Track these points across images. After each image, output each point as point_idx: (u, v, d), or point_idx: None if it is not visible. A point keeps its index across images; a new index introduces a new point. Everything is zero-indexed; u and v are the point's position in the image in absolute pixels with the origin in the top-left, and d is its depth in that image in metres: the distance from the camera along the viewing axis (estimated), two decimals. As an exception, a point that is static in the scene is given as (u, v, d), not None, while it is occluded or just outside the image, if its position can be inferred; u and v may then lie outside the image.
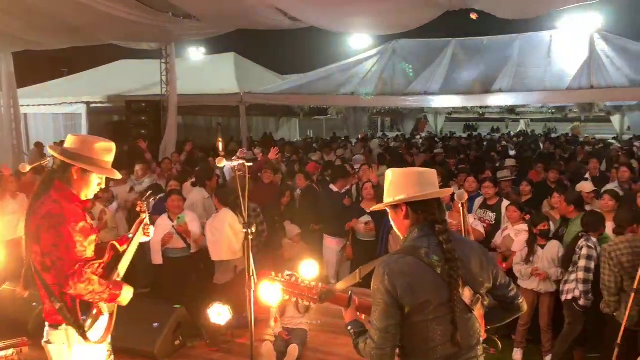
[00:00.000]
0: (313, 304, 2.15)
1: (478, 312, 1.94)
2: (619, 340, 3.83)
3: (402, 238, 2.07)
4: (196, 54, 16.12)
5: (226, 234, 5.11)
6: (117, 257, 2.79)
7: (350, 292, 2.14)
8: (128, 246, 2.84)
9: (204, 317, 4.33)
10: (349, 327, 2.08)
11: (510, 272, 5.10)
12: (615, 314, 4.08)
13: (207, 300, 4.48)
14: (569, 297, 4.47)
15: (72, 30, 9.16)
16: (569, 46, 12.45)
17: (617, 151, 11.18)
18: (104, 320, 2.68)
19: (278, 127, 22.07)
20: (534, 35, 13.07)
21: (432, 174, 2.08)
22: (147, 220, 2.99)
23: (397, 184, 2.05)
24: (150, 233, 3.02)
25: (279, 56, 22.28)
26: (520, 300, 2.15)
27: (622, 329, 3.81)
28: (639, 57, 11.44)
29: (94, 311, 2.59)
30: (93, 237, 2.70)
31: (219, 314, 4.18)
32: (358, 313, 2.11)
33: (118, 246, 2.83)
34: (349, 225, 5.96)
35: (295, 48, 23.72)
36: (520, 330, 5.03)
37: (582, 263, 4.40)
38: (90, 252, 2.65)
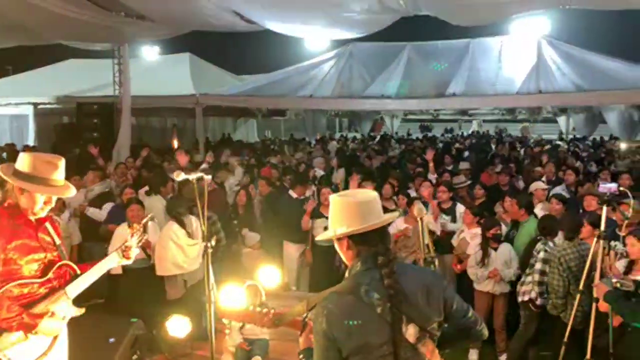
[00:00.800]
0: (268, 329, 2.13)
1: (426, 348, 1.87)
2: (565, 339, 4.02)
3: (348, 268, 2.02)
4: (150, 53, 15.73)
5: (170, 249, 4.99)
6: (76, 277, 2.73)
7: (305, 315, 2.07)
8: (91, 266, 2.78)
9: (162, 330, 4.24)
10: (300, 355, 2.02)
11: (464, 275, 5.29)
12: (561, 314, 4.29)
13: (165, 313, 4.39)
14: (526, 298, 4.65)
15: (19, 30, 8.79)
16: (518, 51, 12.93)
17: (564, 153, 11.70)
18: (38, 343, 2.62)
19: (236, 128, 21.87)
20: (485, 40, 13.50)
21: (373, 202, 1.98)
22: (131, 243, 2.89)
23: (338, 216, 1.97)
24: (132, 255, 2.91)
25: (235, 57, 22.06)
26: (480, 327, 2.07)
27: (569, 328, 4.01)
28: (583, 63, 12.02)
29: (12, 333, 2.53)
30: (38, 256, 2.64)
31: (177, 326, 4.11)
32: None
33: (75, 266, 2.76)
34: (305, 222, 5.98)
35: (251, 49, 23.57)
36: (475, 332, 5.19)
37: (538, 266, 4.58)
38: (29, 270, 2.60)
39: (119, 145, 11.05)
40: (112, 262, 2.86)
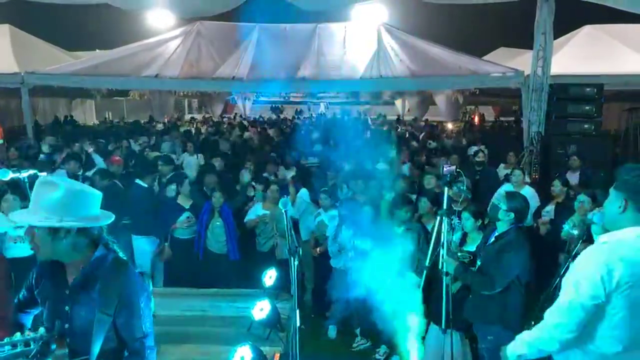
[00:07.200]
0: None
1: None
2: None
3: None
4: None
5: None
6: None
7: None
8: None
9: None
10: None
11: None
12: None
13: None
14: None
15: None
16: (361, 37, 13.62)
17: (404, 135, 12.71)
18: None
19: (71, 110, 19.78)
20: (331, 25, 13.93)
21: None
22: None
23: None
24: None
25: (66, 30, 19.71)
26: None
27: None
28: (415, 49, 13.08)
29: None
30: None
31: None
32: None
33: None
34: (174, 227, 5.71)
35: (85, 23, 21.29)
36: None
37: None
38: None
39: None
40: None
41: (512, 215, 3.61)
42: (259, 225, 5.78)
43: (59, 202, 2.00)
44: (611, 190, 2.22)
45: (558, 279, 2.47)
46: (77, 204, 2.05)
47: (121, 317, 2.06)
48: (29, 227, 2.02)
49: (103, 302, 2.03)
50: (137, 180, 6.14)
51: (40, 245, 2.02)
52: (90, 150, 8.34)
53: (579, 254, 2.28)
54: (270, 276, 4.18)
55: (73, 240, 2.05)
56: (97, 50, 15.94)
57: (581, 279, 2.15)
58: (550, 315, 2.27)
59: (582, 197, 4.99)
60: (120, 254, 2.20)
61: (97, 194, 2.17)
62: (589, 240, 2.58)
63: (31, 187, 2.85)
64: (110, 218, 2.16)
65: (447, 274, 3.65)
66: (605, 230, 2.27)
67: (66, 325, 2.07)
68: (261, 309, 3.79)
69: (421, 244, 4.72)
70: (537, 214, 5.86)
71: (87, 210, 2.08)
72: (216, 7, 9.23)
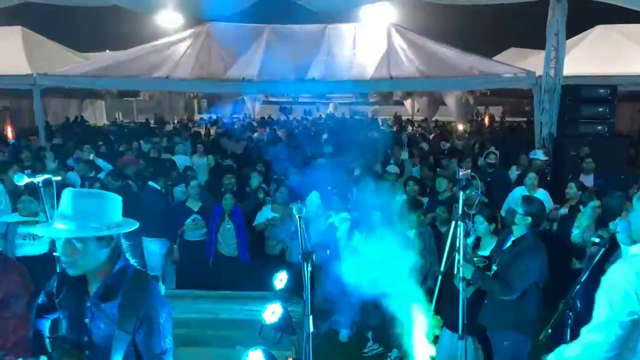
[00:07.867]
0: None
1: None
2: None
3: None
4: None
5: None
6: None
7: None
8: None
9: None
10: None
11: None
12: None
13: None
14: None
15: None
16: (370, 38, 13.58)
17: (413, 136, 12.65)
18: None
19: (81, 110, 19.92)
20: (340, 26, 13.92)
21: None
22: None
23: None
24: None
25: (77, 32, 19.84)
26: None
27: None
28: (425, 50, 13.03)
29: None
30: None
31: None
32: None
33: None
34: (182, 230, 5.70)
35: (95, 23, 21.42)
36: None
37: None
38: None
39: None
40: None
41: (529, 219, 3.57)
42: (268, 229, 5.77)
43: (100, 210, 2.00)
44: (635, 201, 2.16)
45: (578, 286, 2.42)
46: (113, 209, 2.07)
47: (141, 333, 2.03)
48: (67, 242, 1.97)
49: (123, 318, 2.00)
50: (150, 183, 6.17)
51: (83, 257, 1.98)
52: (91, 157, 8.25)
53: (601, 262, 2.22)
54: (280, 279, 4.16)
55: (113, 247, 2.06)
56: (108, 52, 16.03)
57: (614, 294, 2.06)
58: (588, 333, 2.16)
59: (594, 203, 4.94)
60: (132, 262, 2.17)
61: (120, 198, 2.17)
62: (611, 248, 2.54)
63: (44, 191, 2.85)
64: (135, 224, 2.14)
65: (463, 279, 3.58)
66: (633, 241, 2.20)
67: (85, 338, 2.06)
68: (273, 313, 3.77)
69: (431, 248, 4.70)
70: (551, 217, 5.79)
71: (119, 216, 2.10)
72: (227, 7, 9.23)
